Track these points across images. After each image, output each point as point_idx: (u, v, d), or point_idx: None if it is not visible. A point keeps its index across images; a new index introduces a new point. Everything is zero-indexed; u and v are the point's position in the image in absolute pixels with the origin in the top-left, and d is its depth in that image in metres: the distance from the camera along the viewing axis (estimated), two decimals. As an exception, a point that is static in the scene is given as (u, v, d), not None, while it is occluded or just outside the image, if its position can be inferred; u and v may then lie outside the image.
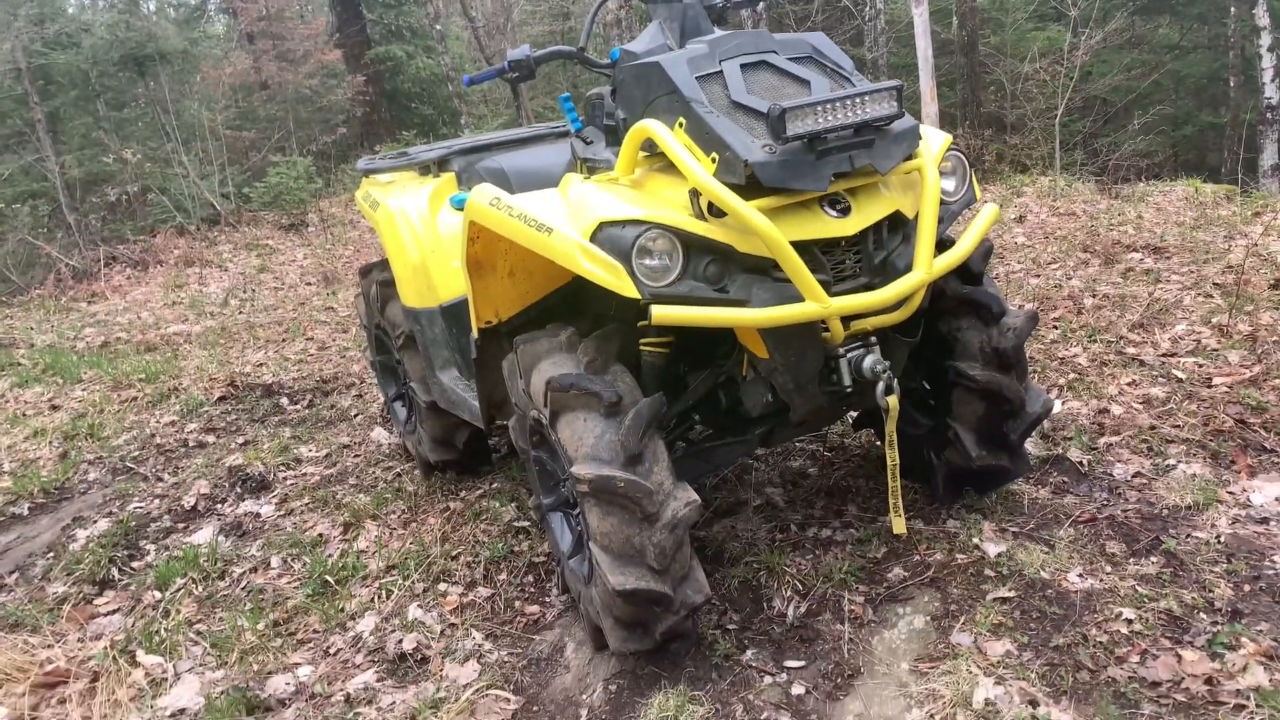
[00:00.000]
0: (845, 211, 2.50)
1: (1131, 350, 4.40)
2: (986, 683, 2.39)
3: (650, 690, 2.60)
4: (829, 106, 2.37)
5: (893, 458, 2.70)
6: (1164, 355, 4.29)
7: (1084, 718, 2.25)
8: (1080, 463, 3.44)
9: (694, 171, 2.37)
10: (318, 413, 5.42)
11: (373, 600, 3.32)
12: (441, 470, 4.09)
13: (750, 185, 2.35)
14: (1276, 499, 3.05)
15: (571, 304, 3.06)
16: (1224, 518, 2.99)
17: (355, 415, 5.26)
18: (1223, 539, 2.88)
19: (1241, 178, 8.47)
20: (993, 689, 2.36)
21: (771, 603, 2.93)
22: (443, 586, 3.33)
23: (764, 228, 2.32)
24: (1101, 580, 2.76)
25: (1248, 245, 5.49)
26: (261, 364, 6.68)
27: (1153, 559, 2.83)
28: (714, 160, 2.40)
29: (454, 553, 3.53)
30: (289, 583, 3.56)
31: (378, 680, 2.92)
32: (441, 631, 3.10)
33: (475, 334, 3.04)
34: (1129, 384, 4.04)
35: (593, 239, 2.42)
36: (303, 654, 3.11)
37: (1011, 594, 2.76)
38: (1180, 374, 4.04)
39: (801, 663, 2.65)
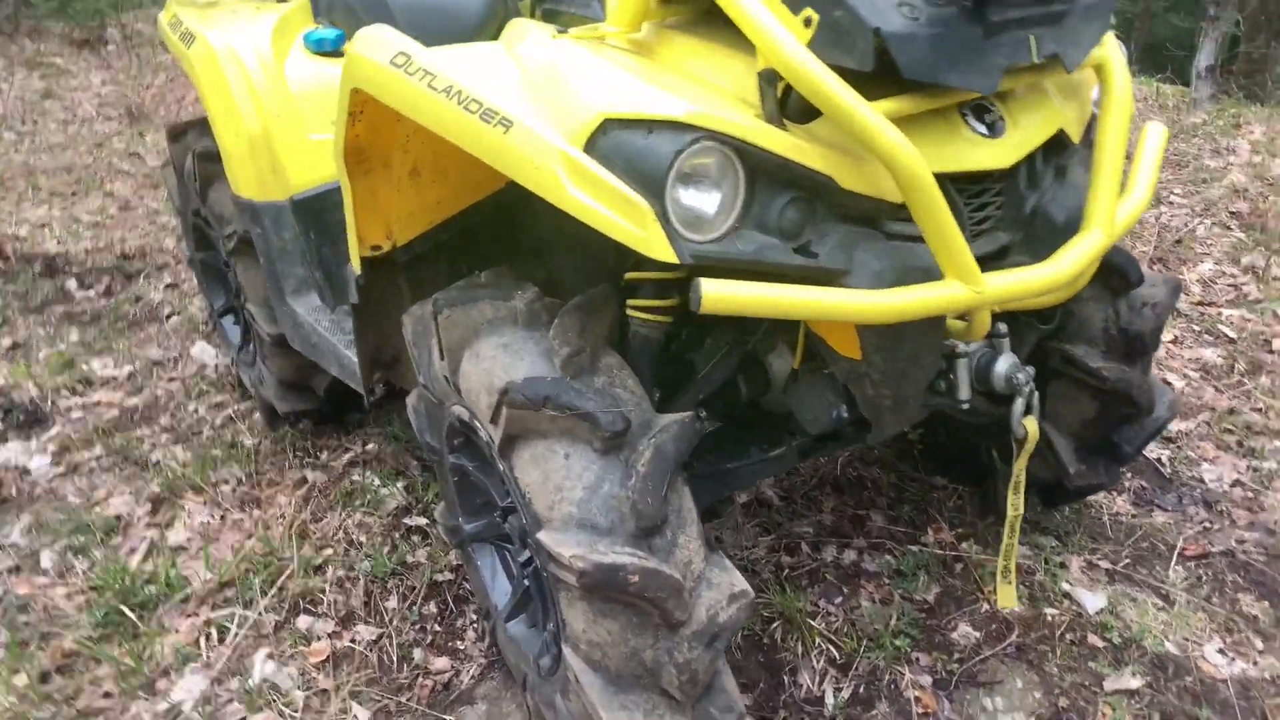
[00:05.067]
0: (995, 128, 1.54)
1: (1155, 291, 3.66)
2: None
3: None
4: None
5: (1016, 506, 1.81)
6: (1200, 304, 3.56)
7: None
8: (1159, 460, 2.66)
9: (776, 39, 1.35)
10: (117, 306, 4.09)
11: (197, 642, 2.25)
12: (293, 421, 2.96)
13: (868, 73, 1.34)
14: None
15: (498, 220, 1.99)
16: (1374, 560, 2.29)
17: (169, 315, 3.97)
18: (1387, 597, 2.18)
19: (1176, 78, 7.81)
20: None
21: (797, 675, 2.05)
22: (304, 622, 2.29)
23: (905, 154, 1.35)
24: (1254, 662, 2.01)
25: (1247, 166, 4.82)
26: (43, 225, 5.16)
27: (1310, 629, 2.10)
28: (808, 23, 1.37)
29: (318, 559, 2.47)
30: (68, 595, 2.43)
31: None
32: (306, 704, 2.08)
33: (356, 267, 1.92)
34: (1171, 341, 3.29)
35: (590, 148, 1.36)
36: (84, 738, 2.04)
37: (1137, 682, 1.98)
38: (1229, 330, 3.32)
39: (865, 799, 1.80)
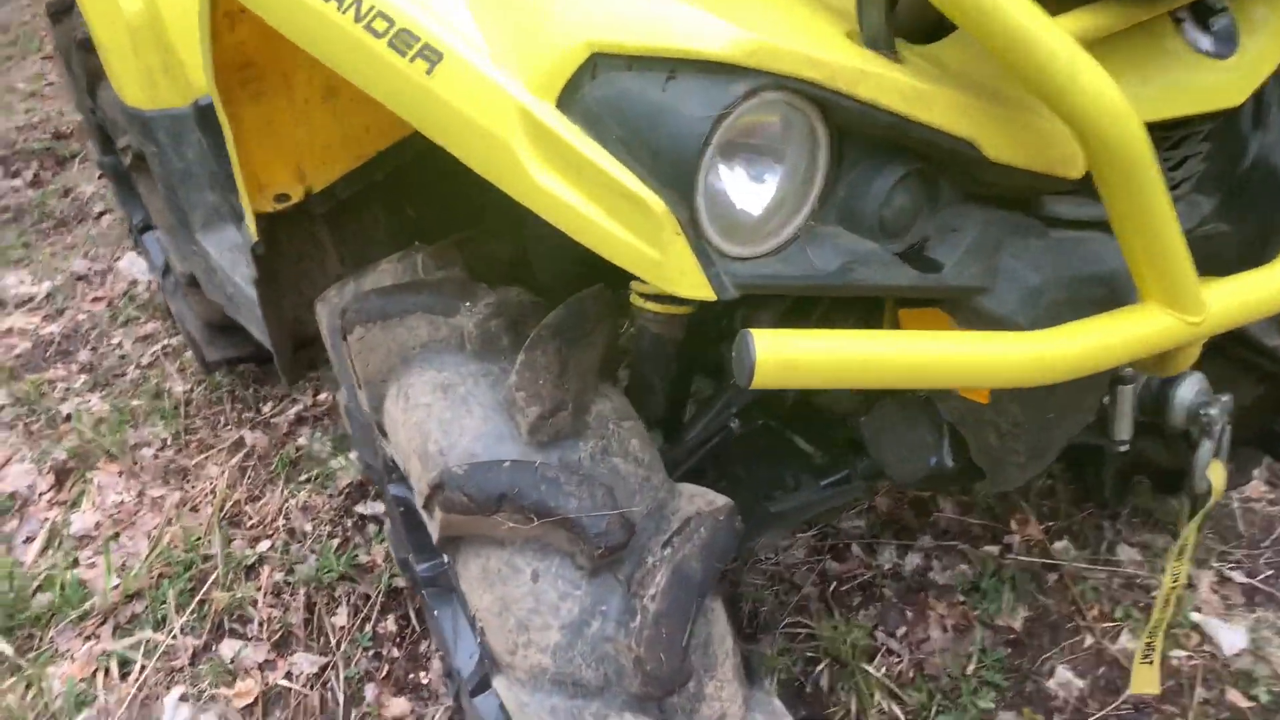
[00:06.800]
0: (1224, 41, 0.95)
1: None
2: None
3: None
4: None
5: (1178, 576, 1.28)
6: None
7: None
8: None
9: None
10: (44, 200, 3.52)
11: (95, 676, 1.81)
12: (228, 367, 2.44)
13: None
14: None
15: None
16: None
17: (101, 213, 3.40)
18: None
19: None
20: None
21: (849, 743, 1.60)
22: (229, 647, 1.83)
23: (1108, 102, 0.78)
24: None
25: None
26: (-29, 95, 4.54)
27: None
28: None
29: (250, 556, 2.00)
30: (-51, 601, 1.98)
31: None
32: (225, 769, 1.65)
33: (253, 230, 1.36)
34: None
35: (567, 102, 0.79)
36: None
37: (1297, 762, 1.52)
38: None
39: None
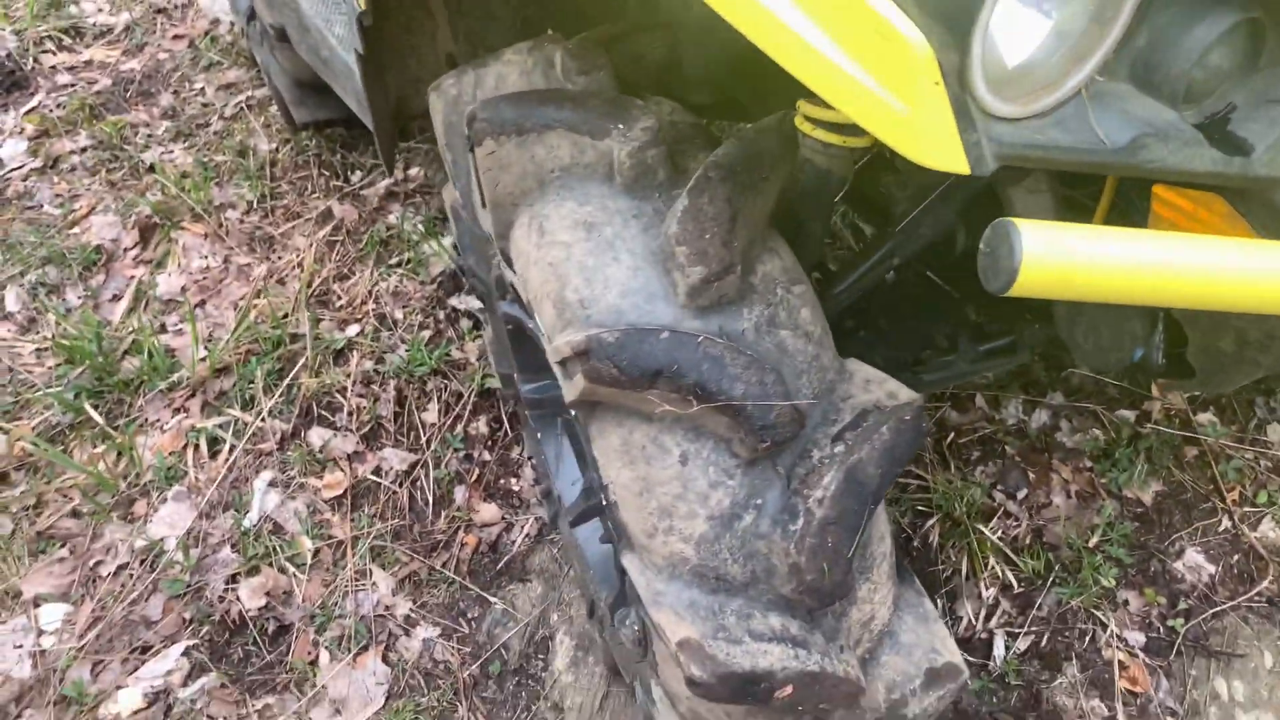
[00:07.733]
0: None
1: None
2: None
3: None
4: None
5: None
6: None
7: None
8: None
9: None
10: (119, -84, 3.25)
11: (185, 451, 1.78)
12: (316, 129, 2.28)
13: None
14: None
15: None
16: None
17: (179, -63, 3.14)
18: None
19: None
20: None
21: (956, 603, 1.53)
22: (318, 436, 1.79)
23: None
24: None
25: None
26: None
27: None
28: None
29: (339, 340, 1.93)
30: (36, 355, 1.96)
31: (183, 679, 1.52)
32: (314, 559, 1.64)
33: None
34: None
35: None
36: (45, 577, 1.65)
37: None
38: None
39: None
